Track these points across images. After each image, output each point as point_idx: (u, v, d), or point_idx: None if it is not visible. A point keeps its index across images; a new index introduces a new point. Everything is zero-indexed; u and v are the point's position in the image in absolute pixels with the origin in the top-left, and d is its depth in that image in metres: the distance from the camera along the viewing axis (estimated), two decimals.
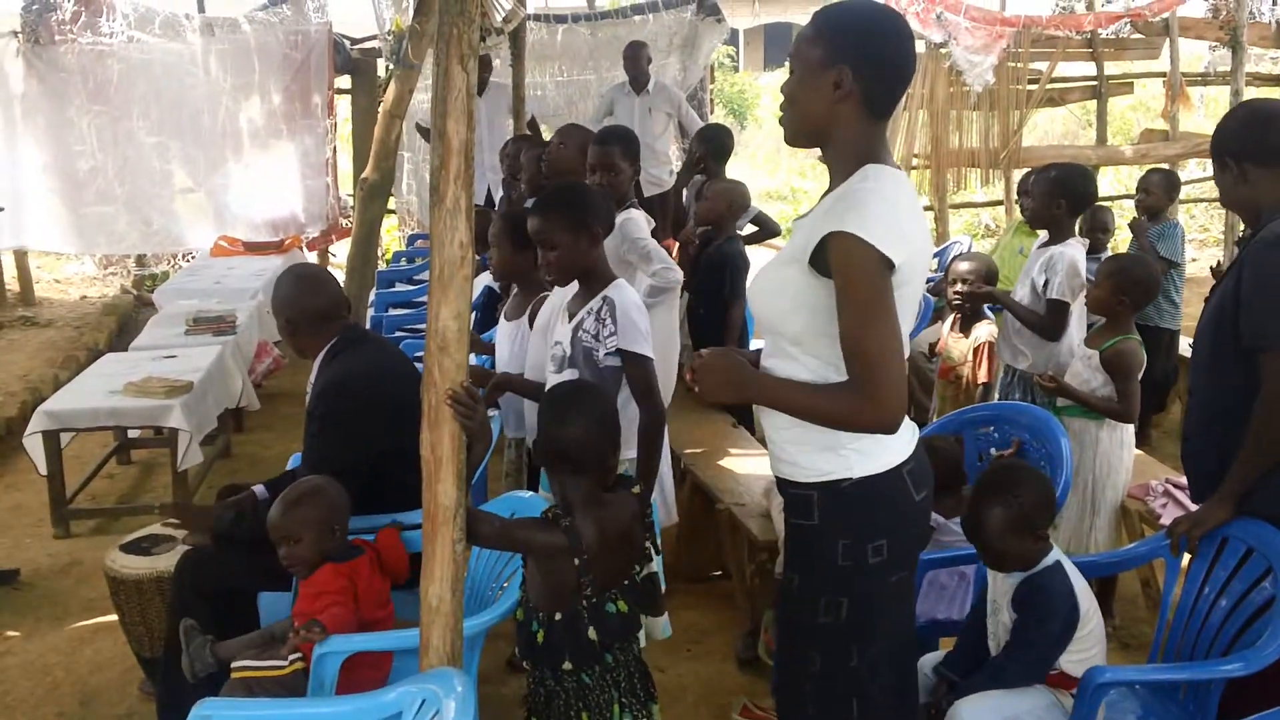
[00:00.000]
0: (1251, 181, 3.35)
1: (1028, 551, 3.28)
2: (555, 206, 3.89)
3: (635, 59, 9.64)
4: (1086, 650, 3.26)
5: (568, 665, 2.90)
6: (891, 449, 2.66)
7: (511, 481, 4.78)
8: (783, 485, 2.79)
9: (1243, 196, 3.40)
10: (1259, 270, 3.23)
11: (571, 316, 3.88)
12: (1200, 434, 3.53)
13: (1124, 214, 13.80)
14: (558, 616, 2.89)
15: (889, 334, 2.46)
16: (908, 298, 2.60)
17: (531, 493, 3.79)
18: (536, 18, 11.42)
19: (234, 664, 3.39)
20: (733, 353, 2.76)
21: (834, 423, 2.56)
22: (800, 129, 2.73)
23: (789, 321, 2.65)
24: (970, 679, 3.34)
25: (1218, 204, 13.27)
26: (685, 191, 7.93)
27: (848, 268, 2.47)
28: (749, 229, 6.81)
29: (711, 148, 7.35)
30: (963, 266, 5.62)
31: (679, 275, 4.74)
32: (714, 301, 5.97)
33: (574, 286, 4.02)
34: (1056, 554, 3.33)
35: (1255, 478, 3.27)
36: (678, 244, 6.67)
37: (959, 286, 5.56)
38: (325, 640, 3.23)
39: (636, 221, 4.60)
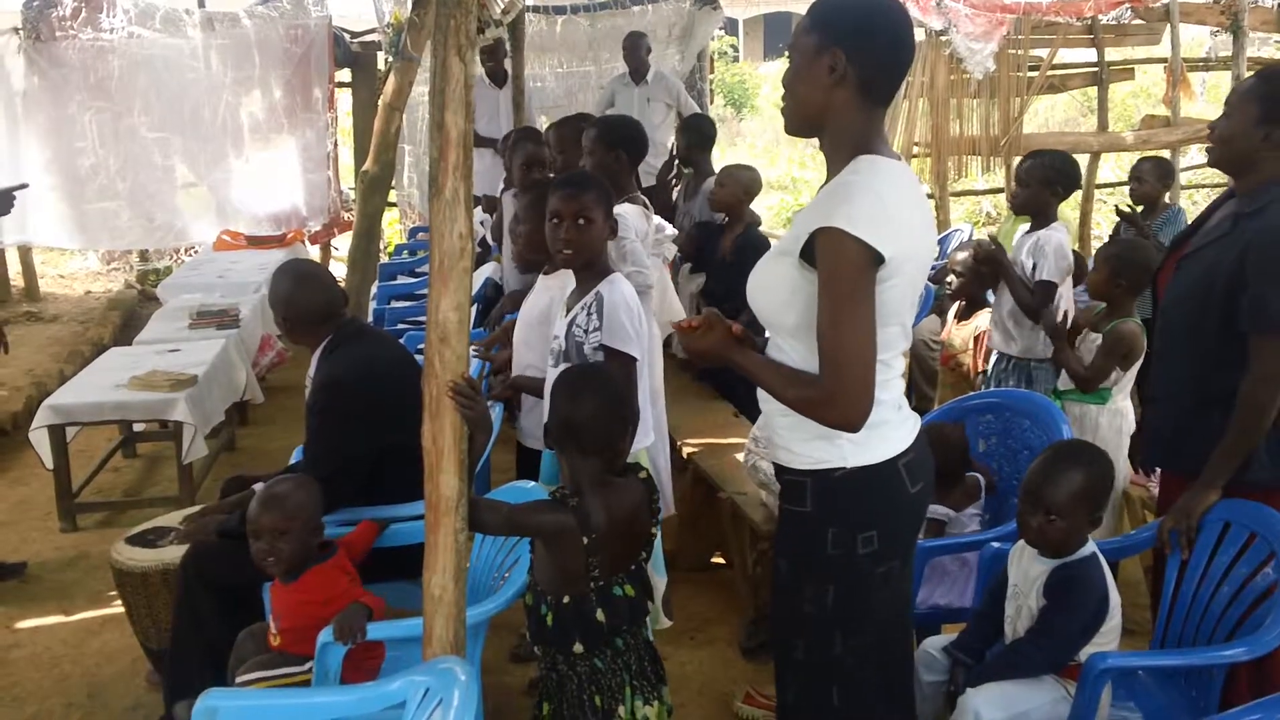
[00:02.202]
0: (1274, 148, 3.37)
1: (1077, 532, 3.26)
2: (595, 185, 3.92)
3: (634, 49, 9.65)
4: (1105, 644, 3.26)
5: (579, 648, 2.91)
6: (888, 440, 2.68)
7: None
8: (778, 471, 2.82)
9: (1252, 155, 3.41)
10: (1268, 257, 3.25)
11: (569, 311, 3.90)
12: (1166, 398, 3.59)
13: (1125, 201, 13.83)
14: (566, 599, 2.91)
15: (862, 334, 2.48)
16: (900, 288, 2.60)
17: (533, 483, 3.81)
18: (535, 9, 11.42)
19: (240, 679, 3.40)
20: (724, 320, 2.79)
21: (798, 409, 2.59)
22: (798, 117, 2.74)
23: (784, 315, 2.67)
24: (989, 663, 3.33)
25: (1219, 190, 13.37)
26: (679, 188, 7.92)
27: (831, 263, 2.49)
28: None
29: (694, 138, 7.38)
30: (959, 256, 5.65)
31: (651, 279, 4.74)
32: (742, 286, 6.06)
33: (570, 282, 4.04)
34: (1092, 545, 3.32)
35: (1240, 460, 3.32)
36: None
37: (949, 278, 5.60)
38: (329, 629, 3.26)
39: (624, 219, 4.60)
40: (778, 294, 2.68)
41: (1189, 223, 6.67)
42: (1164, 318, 3.61)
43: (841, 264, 2.48)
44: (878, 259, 2.48)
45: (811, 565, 2.73)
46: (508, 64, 9.84)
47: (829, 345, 2.50)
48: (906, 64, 2.71)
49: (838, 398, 2.49)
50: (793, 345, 2.67)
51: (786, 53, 2.81)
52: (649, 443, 4.12)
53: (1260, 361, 3.26)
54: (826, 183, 2.70)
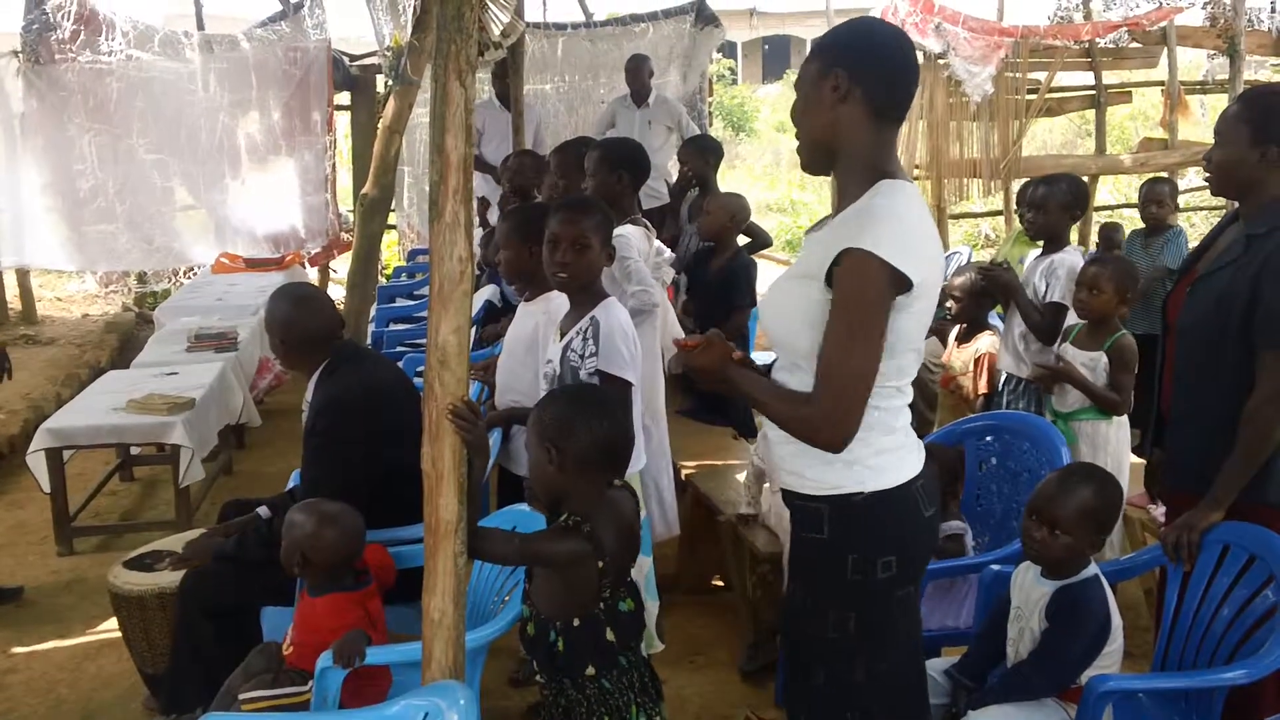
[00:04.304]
0: (1272, 166, 3.39)
1: (1079, 551, 3.25)
2: (595, 211, 3.93)
3: (636, 72, 9.64)
4: (1107, 667, 3.24)
5: (590, 671, 2.88)
6: (904, 464, 2.67)
7: None
8: (789, 498, 2.78)
9: (1253, 177, 3.43)
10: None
11: (563, 335, 3.89)
12: (1187, 421, 3.58)
13: (1124, 223, 13.87)
14: (576, 623, 2.86)
15: (869, 360, 2.48)
16: (921, 314, 2.60)
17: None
18: (536, 26, 11.44)
19: (243, 695, 3.38)
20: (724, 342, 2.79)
21: (785, 426, 2.60)
22: (810, 147, 2.74)
23: (800, 338, 2.63)
24: (991, 686, 3.32)
25: (1218, 213, 13.41)
26: (682, 209, 7.93)
27: (851, 284, 2.48)
28: (741, 240, 6.81)
29: (707, 159, 7.37)
30: (957, 280, 5.66)
31: (656, 298, 4.75)
32: (727, 313, 6.04)
33: (552, 306, 4.04)
34: (1094, 567, 3.31)
35: (1247, 479, 3.32)
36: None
37: (948, 302, 5.60)
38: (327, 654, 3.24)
39: (626, 239, 4.61)
40: (796, 318, 2.64)
41: (1189, 244, 6.73)
42: (1181, 341, 3.60)
43: (863, 286, 2.47)
44: (905, 284, 2.47)
45: (831, 593, 2.70)
46: None
47: (834, 365, 2.49)
48: (911, 79, 2.70)
49: (832, 419, 2.49)
50: (807, 366, 2.62)
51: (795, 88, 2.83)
52: (641, 466, 4.12)
53: (1270, 378, 3.26)
54: (839, 209, 2.68)
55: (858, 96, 2.61)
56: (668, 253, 5.53)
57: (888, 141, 2.70)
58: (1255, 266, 3.32)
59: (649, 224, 5.19)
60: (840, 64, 2.61)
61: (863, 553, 2.64)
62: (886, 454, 2.63)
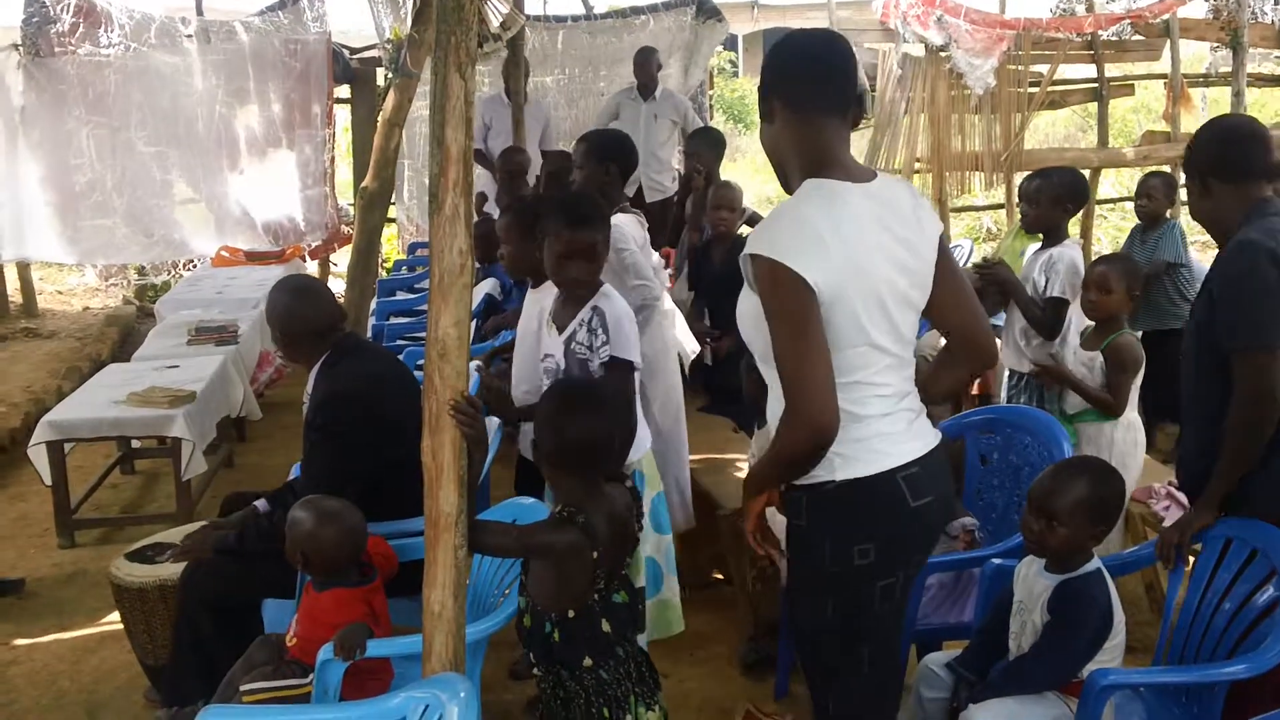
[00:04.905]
0: (1214, 196, 3.47)
1: (1078, 542, 3.25)
2: (597, 219, 3.91)
3: (645, 65, 9.60)
4: (1109, 661, 3.25)
5: (588, 662, 2.89)
6: (881, 454, 2.69)
7: None
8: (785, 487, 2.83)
9: (1206, 210, 3.52)
10: (1222, 279, 3.34)
11: (561, 329, 3.88)
12: (1191, 424, 3.62)
13: (1126, 217, 13.85)
14: (571, 614, 2.88)
15: (810, 350, 2.52)
16: (851, 312, 2.60)
17: (532, 499, 3.79)
18: (536, 19, 11.43)
19: (244, 687, 3.39)
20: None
21: (789, 458, 2.63)
22: (775, 171, 2.85)
23: (755, 342, 2.72)
24: (993, 679, 3.32)
25: None
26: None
27: (761, 289, 2.57)
28: (744, 230, 6.80)
29: (716, 150, 7.34)
30: None
31: (658, 291, 4.76)
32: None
33: (549, 296, 4.05)
34: (1097, 561, 3.32)
35: (1236, 480, 3.35)
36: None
37: None
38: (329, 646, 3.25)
39: (621, 229, 4.60)
40: (748, 323, 2.73)
41: (1185, 236, 6.74)
42: (1183, 351, 3.63)
43: (768, 288, 2.55)
44: (806, 285, 2.51)
45: (812, 578, 2.78)
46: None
47: (780, 371, 2.56)
48: (822, 65, 2.73)
49: (798, 416, 2.53)
50: (767, 371, 2.72)
51: None
52: (647, 447, 4.12)
53: (1242, 381, 3.29)
54: None
55: (781, 106, 2.72)
56: (656, 256, 5.54)
57: (816, 138, 2.73)
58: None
59: (641, 213, 5.20)
60: (763, 86, 2.74)
61: (839, 539, 2.69)
62: (858, 443, 2.66)
